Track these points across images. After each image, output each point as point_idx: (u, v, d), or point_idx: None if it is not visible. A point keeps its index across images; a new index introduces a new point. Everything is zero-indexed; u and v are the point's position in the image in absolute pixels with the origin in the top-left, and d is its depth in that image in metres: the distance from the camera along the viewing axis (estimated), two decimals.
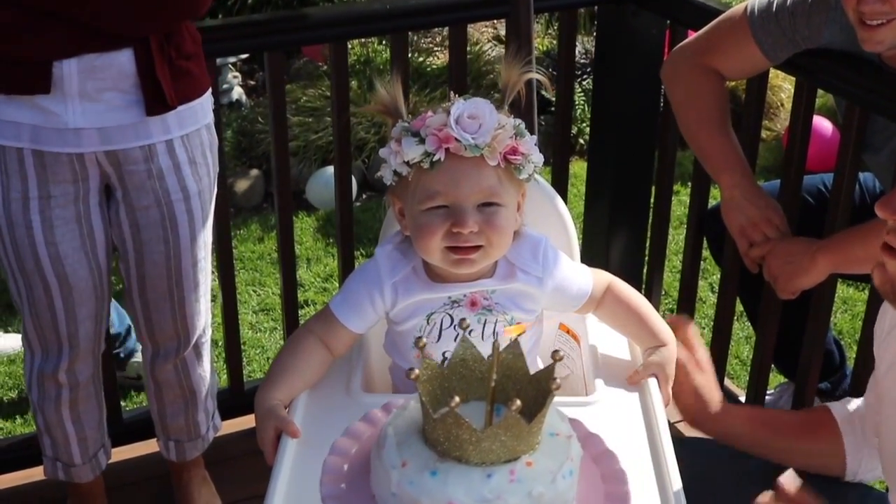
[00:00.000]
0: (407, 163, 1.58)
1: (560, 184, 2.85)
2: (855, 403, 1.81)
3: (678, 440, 1.63)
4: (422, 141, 1.54)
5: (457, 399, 1.22)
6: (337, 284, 4.16)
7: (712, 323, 3.75)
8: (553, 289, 1.73)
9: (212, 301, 2.42)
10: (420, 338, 1.36)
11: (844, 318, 3.85)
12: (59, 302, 2.16)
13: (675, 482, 1.49)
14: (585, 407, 1.65)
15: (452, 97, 1.57)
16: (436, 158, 1.55)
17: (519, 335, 1.34)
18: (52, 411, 2.31)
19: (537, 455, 1.28)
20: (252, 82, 5.59)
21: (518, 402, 1.22)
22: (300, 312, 3.02)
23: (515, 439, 1.26)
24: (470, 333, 1.71)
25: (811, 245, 2.20)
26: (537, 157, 1.62)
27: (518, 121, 1.60)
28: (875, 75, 2.17)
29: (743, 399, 2.80)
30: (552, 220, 1.92)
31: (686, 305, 2.88)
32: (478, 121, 1.53)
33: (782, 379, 3.04)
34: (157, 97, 2.03)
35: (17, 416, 3.43)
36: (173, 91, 2.04)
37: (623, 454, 1.41)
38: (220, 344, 3.52)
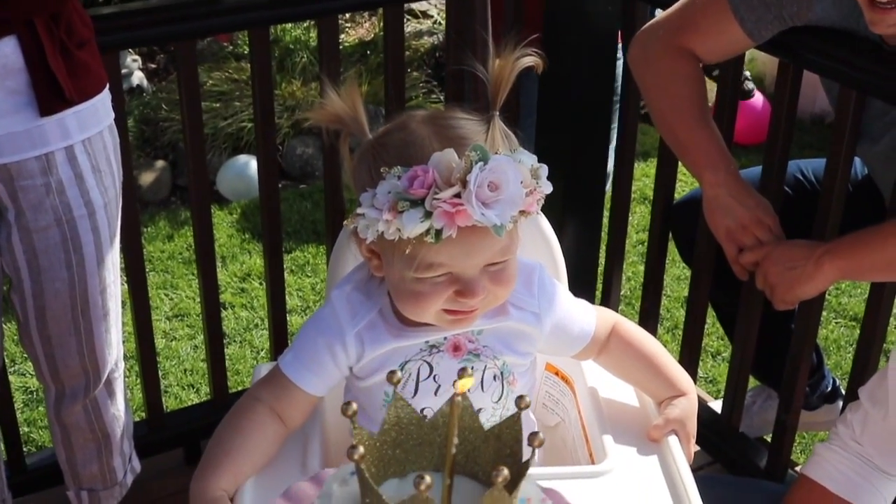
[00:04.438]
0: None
1: None
2: (837, 452, 1.68)
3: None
4: (427, 215, 1.23)
5: (428, 480, 0.98)
6: (255, 284, 3.86)
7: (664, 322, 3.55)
8: (552, 327, 1.44)
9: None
10: (394, 371, 1.12)
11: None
12: None
13: None
14: (597, 479, 1.37)
15: (473, 159, 1.22)
16: (445, 235, 1.24)
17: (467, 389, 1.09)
18: None
19: None
20: (153, 65, 5.24)
21: (505, 473, 0.99)
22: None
23: None
24: (470, 391, 1.43)
25: (814, 249, 1.95)
26: (549, 189, 1.32)
27: (533, 161, 1.29)
28: (874, 56, 1.94)
29: (718, 407, 2.56)
30: (534, 240, 1.63)
31: (650, 307, 2.63)
32: (499, 193, 1.22)
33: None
34: (53, 91, 1.74)
35: None
36: (70, 83, 1.76)
37: None
38: (131, 362, 3.21)
